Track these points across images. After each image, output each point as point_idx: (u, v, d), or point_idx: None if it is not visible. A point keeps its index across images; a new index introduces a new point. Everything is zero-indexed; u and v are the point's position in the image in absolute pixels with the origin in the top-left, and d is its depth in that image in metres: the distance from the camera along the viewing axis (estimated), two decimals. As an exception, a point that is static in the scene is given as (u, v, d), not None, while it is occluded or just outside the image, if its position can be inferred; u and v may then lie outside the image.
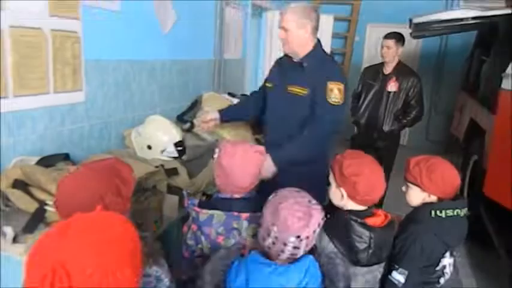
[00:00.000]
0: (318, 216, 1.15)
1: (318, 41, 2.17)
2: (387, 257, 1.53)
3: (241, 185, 1.41)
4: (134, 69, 2.70)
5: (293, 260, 1.16)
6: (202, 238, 1.38)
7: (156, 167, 1.94)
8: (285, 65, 2.24)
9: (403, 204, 1.68)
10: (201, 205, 1.41)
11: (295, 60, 2.16)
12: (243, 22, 4.47)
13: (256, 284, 1.10)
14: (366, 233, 1.40)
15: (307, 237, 1.13)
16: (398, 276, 1.54)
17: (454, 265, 1.73)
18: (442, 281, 1.64)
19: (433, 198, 1.63)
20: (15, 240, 1.46)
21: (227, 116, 2.45)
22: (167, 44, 3.03)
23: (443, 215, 1.57)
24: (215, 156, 1.46)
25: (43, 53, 1.95)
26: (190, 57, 3.43)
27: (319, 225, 1.16)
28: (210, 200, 1.48)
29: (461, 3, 5.79)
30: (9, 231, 1.45)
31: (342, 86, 2.04)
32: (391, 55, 3.39)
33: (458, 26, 3.62)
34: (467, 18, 3.22)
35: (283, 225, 1.11)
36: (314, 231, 1.15)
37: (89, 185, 1.04)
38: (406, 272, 1.54)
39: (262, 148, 1.44)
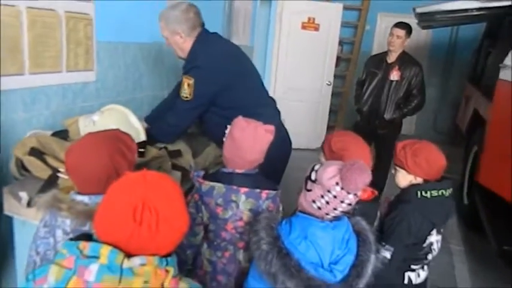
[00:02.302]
0: None
1: (200, 32, 2.03)
2: (376, 238, 1.63)
3: (248, 159, 1.49)
4: (143, 51, 2.81)
5: (334, 219, 1.28)
6: (203, 207, 1.49)
7: (160, 149, 2.00)
8: None
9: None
10: (205, 177, 1.52)
11: None
12: (252, 9, 4.52)
13: (314, 237, 1.24)
14: None
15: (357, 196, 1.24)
16: (384, 253, 1.65)
17: (443, 248, 1.82)
18: (429, 257, 1.74)
19: (419, 180, 1.71)
20: (29, 204, 1.59)
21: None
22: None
23: (428, 195, 1.66)
24: (227, 131, 1.54)
25: (57, 33, 2.06)
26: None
27: None
28: (214, 174, 1.58)
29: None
30: (24, 195, 1.58)
31: (191, 81, 1.94)
32: (399, 45, 3.44)
33: (464, 17, 3.63)
34: (471, 10, 3.24)
35: (350, 183, 1.18)
36: None
37: (97, 148, 1.15)
38: (392, 249, 1.65)
39: (272, 127, 1.52)
